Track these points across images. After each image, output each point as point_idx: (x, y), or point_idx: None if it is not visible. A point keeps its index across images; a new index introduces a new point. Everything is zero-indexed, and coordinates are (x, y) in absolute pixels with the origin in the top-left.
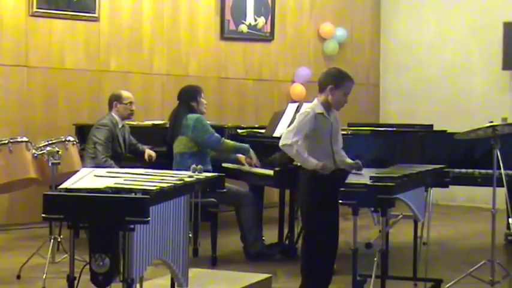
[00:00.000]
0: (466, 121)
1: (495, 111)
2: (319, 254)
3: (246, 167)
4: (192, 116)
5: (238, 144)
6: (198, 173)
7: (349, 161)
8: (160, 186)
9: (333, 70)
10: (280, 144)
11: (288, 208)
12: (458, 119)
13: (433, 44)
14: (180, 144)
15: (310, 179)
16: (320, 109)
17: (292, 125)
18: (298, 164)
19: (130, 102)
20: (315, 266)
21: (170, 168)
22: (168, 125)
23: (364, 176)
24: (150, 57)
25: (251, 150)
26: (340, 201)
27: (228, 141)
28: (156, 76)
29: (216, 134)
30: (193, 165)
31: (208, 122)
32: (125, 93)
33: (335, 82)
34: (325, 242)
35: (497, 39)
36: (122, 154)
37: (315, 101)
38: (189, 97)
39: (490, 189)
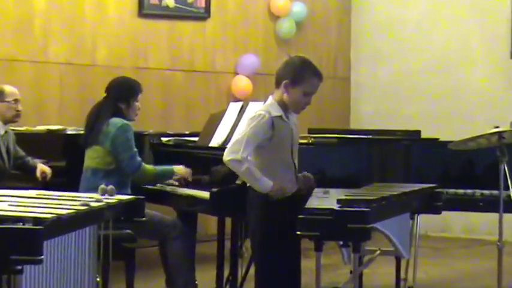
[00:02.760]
0: (464, 126)
1: (501, 113)
2: None
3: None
4: (115, 122)
5: (159, 169)
6: (109, 195)
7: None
8: (58, 214)
9: (294, 60)
10: (225, 158)
11: (230, 242)
12: (453, 123)
13: (420, 24)
14: (94, 157)
15: (264, 201)
16: (277, 111)
17: (240, 133)
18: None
19: (16, 100)
20: None
21: (73, 189)
22: (85, 124)
23: (328, 199)
24: (43, 40)
25: (177, 167)
26: (298, 232)
27: (148, 167)
28: (51, 65)
29: (138, 158)
30: (102, 186)
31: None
32: (8, 89)
33: (292, 76)
34: (285, 285)
35: (504, 19)
36: (6, 170)
37: (270, 99)
38: (119, 95)
39: (495, 215)
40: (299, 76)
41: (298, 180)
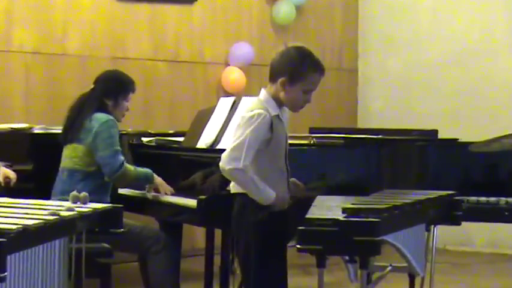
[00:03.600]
0: (487, 125)
1: None
2: None
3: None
4: (100, 117)
5: (140, 170)
6: (82, 203)
7: None
8: (24, 225)
9: (291, 52)
10: (224, 167)
11: (219, 257)
12: (474, 122)
13: (437, 9)
14: (72, 156)
15: (258, 211)
16: (275, 110)
17: (239, 137)
18: (235, 189)
19: None
20: None
21: (41, 196)
22: (65, 119)
23: (331, 208)
24: (7, 27)
25: (155, 176)
26: (297, 246)
27: (130, 167)
28: (16, 55)
29: (121, 157)
30: (74, 192)
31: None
32: None
33: (290, 73)
34: None
35: None
36: None
37: (264, 94)
38: (107, 89)
39: None
40: (298, 73)
41: (289, 187)
